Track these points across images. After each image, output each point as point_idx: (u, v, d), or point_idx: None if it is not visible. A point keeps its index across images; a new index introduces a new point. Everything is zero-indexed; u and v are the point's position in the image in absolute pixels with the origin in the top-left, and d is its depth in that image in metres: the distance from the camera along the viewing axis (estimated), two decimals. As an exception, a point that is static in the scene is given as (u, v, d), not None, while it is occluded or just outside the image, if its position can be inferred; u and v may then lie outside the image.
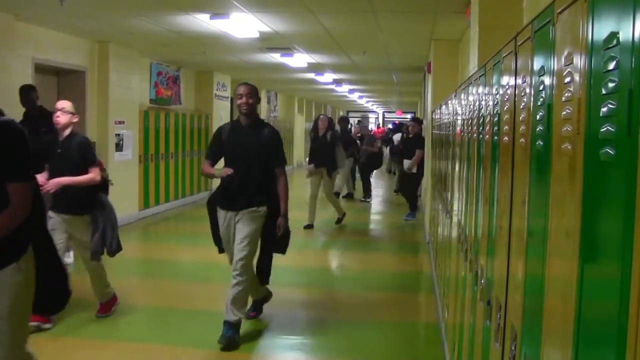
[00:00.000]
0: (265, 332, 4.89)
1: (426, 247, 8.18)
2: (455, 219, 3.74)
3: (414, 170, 10.46)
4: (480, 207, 2.44)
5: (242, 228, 4.45)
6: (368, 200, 13.17)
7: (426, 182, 9.59)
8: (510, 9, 3.97)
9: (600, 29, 1.00)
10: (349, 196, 13.31)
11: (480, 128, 2.51)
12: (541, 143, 1.39)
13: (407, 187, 10.92)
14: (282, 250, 4.84)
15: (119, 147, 9.49)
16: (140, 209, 10.39)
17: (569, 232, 1.14)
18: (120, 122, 9.51)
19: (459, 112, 3.68)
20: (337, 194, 13.38)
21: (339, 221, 9.92)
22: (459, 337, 3.21)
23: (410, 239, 9.34)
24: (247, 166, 4.48)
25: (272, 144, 4.62)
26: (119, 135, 9.48)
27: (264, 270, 4.85)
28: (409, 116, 31.40)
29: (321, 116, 10.01)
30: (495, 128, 2.08)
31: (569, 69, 1.18)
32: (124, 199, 9.66)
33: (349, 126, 16.60)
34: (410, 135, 11.07)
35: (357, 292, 6.34)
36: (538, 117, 1.43)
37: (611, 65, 0.93)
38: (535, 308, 1.39)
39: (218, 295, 5.72)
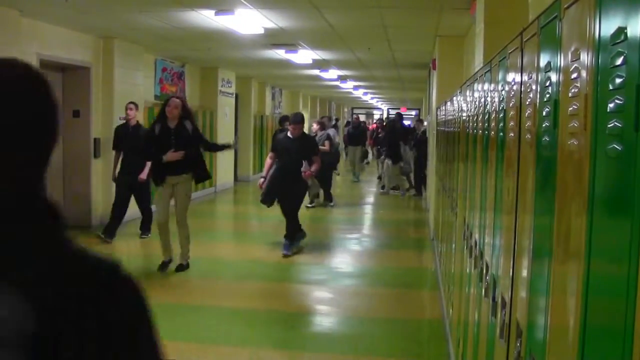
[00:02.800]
0: (265, 328, 4.90)
1: (430, 244, 8.17)
2: (460, 216, 3.73)
3: (309, 182, 8.15)
4: (486, 203, 2.44)
5: None
6: (331, 205, 11.63)
7: (431, 180, 9.57)
8: (516, 5, 3.96)
9: (608, 24, 0.99)
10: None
11: (486, 124, 2.50)
12: (547, 139, 1.39)
13: (291, 206, 7.55)
14: None
15: (123, 143, 9.49)
16: (145, 205, 10.39)
17: (575, 228, 1.13)
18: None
19: (464, 108, 3.68)
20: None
21: (163, 266, 6.48)
22: (463, 333, 3.21)
23: (414, 235, 9.33)
24: None
25: None
26: (123, 131, 9.48)
27: None
28: (413, 113, 31.36)
29: (172, 99, 6.50)
30: (501, 124, 2.08)
31: (575, 65, 1.17)
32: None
33: (318, 122, 13.09)
34: (291, 136, 7.54)
35: (362, 288, 6.34)
36: (544, 113, 1.42)
37: (619, 61, 0.93)
38: (540, 305, 1.39)
39: (224, 290, 5.74)
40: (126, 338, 0.87)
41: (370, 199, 13.63)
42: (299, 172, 7.41)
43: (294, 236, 7.48)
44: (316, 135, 11.51)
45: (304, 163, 7.57)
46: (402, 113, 18.82)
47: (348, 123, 22.38)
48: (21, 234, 0.85)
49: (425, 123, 12.94)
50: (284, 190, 7.35)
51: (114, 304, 0.87)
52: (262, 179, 7.52)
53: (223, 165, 13.83)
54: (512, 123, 1.86)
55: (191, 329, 4.79)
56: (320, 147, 10.90)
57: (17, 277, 0.81)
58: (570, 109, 1.19)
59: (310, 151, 7.59)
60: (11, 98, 0.88)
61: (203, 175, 6.63)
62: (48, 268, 0.83)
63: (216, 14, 6.98)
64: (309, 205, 11.16)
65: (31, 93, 0.90)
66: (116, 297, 0.88)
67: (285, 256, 7.20)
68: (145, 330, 0.92)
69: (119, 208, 7.93)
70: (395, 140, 13.59)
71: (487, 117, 2.49)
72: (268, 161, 7.66)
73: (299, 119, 7.64)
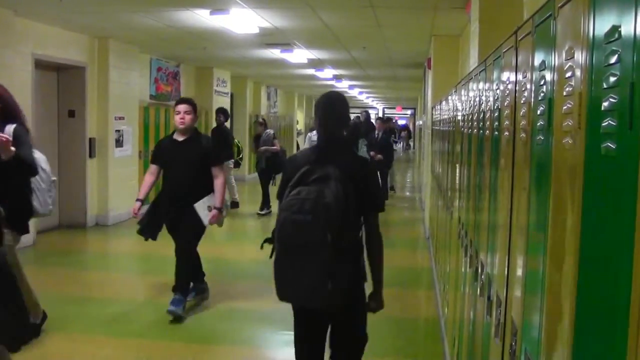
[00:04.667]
0: (264, 327, 4.90)
1: (426, 243, 8.18)
2: (455, 215, 3.73)
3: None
4: (481, 202, 2.44)
5: None
6: (264, 212, 10.39)
7: (426, 178, 9.58)
8: (510, 4, 3.96)
9: (602, 23, 0.99)
10: (235, 205, 10.73)
11: (481, 123, 2.51)
12: (542, 138, 1.39)
13: (184, 242, 5.19)
14: None
15: (119, 142, 9.49)
16: (141, 205, 10.37)
17: (570, 227, 1.14)
18: (120, 118, 9.49)
19: (459, 107, 3.68)
20: (235, 204, 10.71)
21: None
22: (459, 332, 3.21)
23: (410, 234, 9.34)
24: None
25: None
26: (119, 131, 9.48)
27: None
28: (409, 112, 31.37)
29: None
30: (496, 123, 2.08)
31: (570, 63, 1.17)
32: (124, 195, 9.66)
33: (260, 123, 11.31)
34: (178, 138, 5.22)
35: (357, 287, 6.33)
36: (539, 111, 1.42)
37: (613, 59, 0.93)
38: (535, 303, 1.39)
39: (217, 290, 5.72)
40: (373, 177, 2.99)
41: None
42: (194, 191, 4.98)
43: (186, 286, 5.07)
44: (261, 136, 10.57)
45: (210, 196, 5.06)
46: (370, 111, 19.15)
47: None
48: (349, 148, 3.17)
49: (418, 123, 12.89)
50: (173, 220, 5.10)
51: (369, 169, 2.96)
52: (137, 202, 5.29)
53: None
54: (506, 122, 1.86)
55: (190, 329, 4.78)
56: (269, 147, 10.32)
57: (338, 160, 2.75)
58: (565, 107, 1.19)
59: (207, 159, 5.02)
60: (345, 104, 2.99)
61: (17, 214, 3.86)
62: (349, 158, 2.91)
63: (211, 13, 6.98)
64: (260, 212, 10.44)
65: (346, 102, 3.01)
66: (369, 167, 3.00)
67: (172, 314, 4.78)
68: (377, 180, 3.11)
69: None
70: (354, 139, 13.66)
71: (482, 116, 2.50)
72: (147, 178, 5.39)
73: (182, 101, 5.16)
